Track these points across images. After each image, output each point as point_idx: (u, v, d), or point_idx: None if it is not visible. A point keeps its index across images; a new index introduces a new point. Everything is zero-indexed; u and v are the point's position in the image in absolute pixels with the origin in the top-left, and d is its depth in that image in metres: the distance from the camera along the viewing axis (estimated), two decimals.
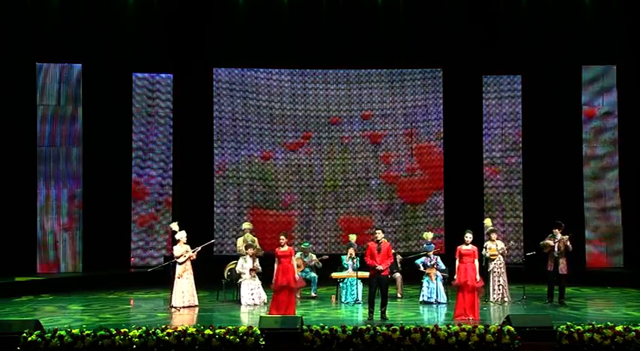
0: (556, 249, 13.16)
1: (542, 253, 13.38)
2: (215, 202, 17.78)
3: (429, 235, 14.28)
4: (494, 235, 13.57)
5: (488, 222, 14.32)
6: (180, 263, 13.04)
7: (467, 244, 11.93)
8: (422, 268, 13.61)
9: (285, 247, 11.90)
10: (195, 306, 12.98)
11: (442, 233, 17.63)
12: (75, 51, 16.65)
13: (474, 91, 17.95)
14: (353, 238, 14.56)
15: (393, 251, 14.27)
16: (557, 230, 13.25)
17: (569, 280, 13.62)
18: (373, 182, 18.09)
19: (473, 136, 17.94)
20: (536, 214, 16.98)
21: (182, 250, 13.12)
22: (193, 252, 13.09)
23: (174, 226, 13.40)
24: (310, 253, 14.55)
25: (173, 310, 12.73)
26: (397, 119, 18.05)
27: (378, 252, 11.55)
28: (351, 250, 13.88)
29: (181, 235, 13.18)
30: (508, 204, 17.91)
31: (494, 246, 13.44)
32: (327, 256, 14.73)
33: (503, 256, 13.50)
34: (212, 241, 14.02)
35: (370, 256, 11.58)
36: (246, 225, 14.78)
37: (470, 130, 17.91)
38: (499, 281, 13.42)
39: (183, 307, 12.84)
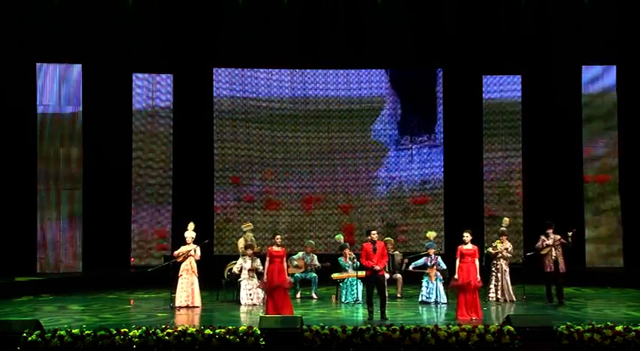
0: (554, 249, 13.16)
1: (540, 254, 13.37)
2: (215, 203, 17.77)
3: (432, 234, 14.21)
4: (503, 237, 13.60)
5: (506, 221, 14.33)
6: (179, 262, 13.09)
7: (466, 244, 11.91)
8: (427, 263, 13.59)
9: (280, 248, 11.85)
10: (195, 307, 12.95)
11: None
12: (75, 51, 16.64)
13: (474, 91, 17.95)
14: (340, 238, 14.52)
15: (397, 252, 14.32)
16: (550, 230, 13.26)
17: (568, 279, 13.64)
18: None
19: (472, 136, 17.93)
20: (537, 214, 16.95)
21: (183, 249, 13.16)
22: (189, 251, 13.09)
23: (190, 225, 13.38)
24: (312, 254, 14.51)
25: (175, 309, 12.72)
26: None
27: (374, 252, 11.52)
28: (346, 251, 13.83)
29: (186, 235, 13.21)
30: (508, 204, 17.92)
31: (502, 245, 13.46)
32: (328, 264, 14.38)
33: (505, 259, 13.48)
34: (206, 241, 13.99)
35: (366, 256, 11.56)
36: (245, 226, 14.78)
37: (469, 130, 17.91)
38: (500, 281, 13.41)
39: (181, 306, 12.85)
